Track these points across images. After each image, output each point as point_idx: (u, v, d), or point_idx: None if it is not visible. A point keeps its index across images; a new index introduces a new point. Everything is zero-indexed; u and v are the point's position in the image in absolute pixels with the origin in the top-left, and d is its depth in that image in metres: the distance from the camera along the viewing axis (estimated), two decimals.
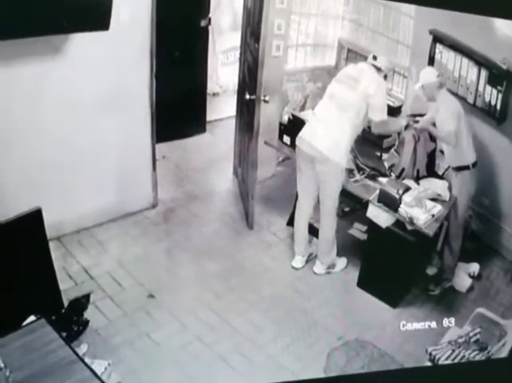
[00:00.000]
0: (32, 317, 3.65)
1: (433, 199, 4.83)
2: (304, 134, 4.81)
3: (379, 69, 4.79)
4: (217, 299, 4.62)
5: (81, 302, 4.24)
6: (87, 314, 4.21)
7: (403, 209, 4.70)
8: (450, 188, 4.96)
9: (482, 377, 4.61)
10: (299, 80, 5.88)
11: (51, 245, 4.12)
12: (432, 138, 5.03)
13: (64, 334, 3.70)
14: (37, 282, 3.93)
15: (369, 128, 4.92)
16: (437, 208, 4.76)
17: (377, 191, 4.81)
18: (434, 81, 4.78)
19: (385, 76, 4.87)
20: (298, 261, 5.05)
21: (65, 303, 4.18)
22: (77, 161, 4.53)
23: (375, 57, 4.85)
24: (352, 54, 5.90)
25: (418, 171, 5.03)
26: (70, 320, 4.11)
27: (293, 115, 5.22)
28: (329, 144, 4.67)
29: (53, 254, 4.12)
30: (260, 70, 4.81)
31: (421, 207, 4.70)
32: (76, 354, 3.37)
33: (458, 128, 4.76)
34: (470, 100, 5.18)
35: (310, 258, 5.09)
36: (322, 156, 4.67)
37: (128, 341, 4.18)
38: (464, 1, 4.46)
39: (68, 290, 4.31)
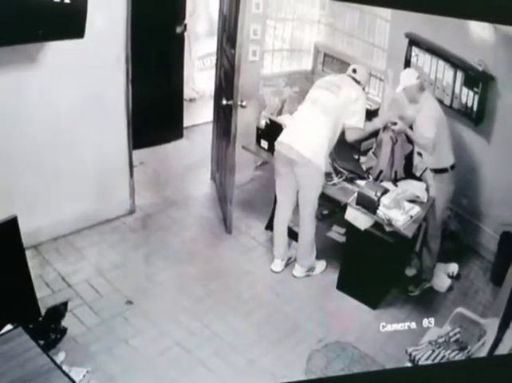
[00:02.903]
0: (9, 326, 3.63)
1: (411, 201, 4.85)
2: (283, 138, 4.82)
3: (358, 82, 4.89)
4: (196, 304, 4.60)
5: (59, 310, 4.21)
6: (65, 322, 4.18)
7: (381, 211, 4.72)
8: (428, 189, 4.99)
9: (463, 376, 4.64)
10: (276, 85, 5.89)
11: (28, 253, 4.08)
12: (410, 140, 5.04)
13: (41, 342, 3.70)
14: (14, 291, 3.88)
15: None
16: (415, 209, 4.79)
17: (355, 194, 4.84)
18: (414, 83, 4.81)
19: (363, 89, 4.97)
20: (277, 264, 5.05)
21: (43, 311, 4.14)
22: (54, 168, 4.50)
23: (354, 70, 4.93)
24: (328, 58, 5.92)
25: (396, 172, 5.04)
26: (48, 328, 4.08)
27: (270, 119, 5.22)
28: (311, 147, 4.71)
29: (30, 263, 4.07)
30: (236, 75, 4.82)
31: (399, 209, 4.72)
32: (54, 362, 3.37)
33: (438, 135, 4.79)
34: (447, 102, 5.22)
35: (289, 262, 5.09)
36: (303, 160, 4.69)
37: (107, 347, 4.16)
38: (439, 5, 4.49)
39: (45, 297, 4.27)
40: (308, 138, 4.73)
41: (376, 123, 5.01)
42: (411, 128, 4.88)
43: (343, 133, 4.93)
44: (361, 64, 5.30)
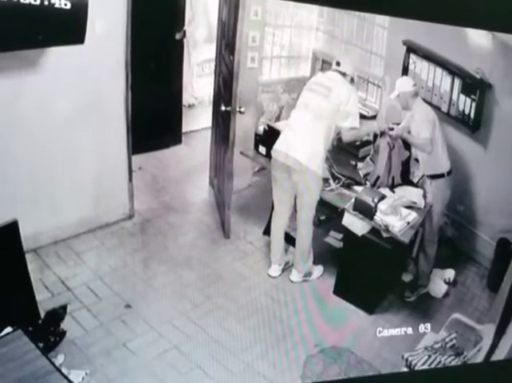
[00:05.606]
0: (8, 329, 3.66)
1: (408, 207, 4.86)
2: (279, 145, 4.82)
3: (344, 74, 4.85)
4: (194, 308, 4.60)
5: (58, 313, 4.22)
6: (64, 325, 4.20)
7: (378, 217, 4.73)
8: (425, 196, 5.00)
9: (459, 382, 4.66)
10: (274, 92, 5.90)
11: (28, 257, 4.11)
12: (407, 146, 5.06)
13: (40, 345, 3.72)
14: (14, 294, 3.91)
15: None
16: (412, 216, 4.80)
17: (353, 200, 4.85)
18: (410, 90, 4.85)
19: (352, 80, 4.90)
20: (275, 269, 5.06)
21: (42, 314, 4.16)
22: (54, 173, 4.51)
23: (338, 63, 4.88)
24: (326, 65, 5.90)
25: (393, 179, 5.06)
26: (47, 331, 4.09)
27: (268, 125, 5.24)
28: (306, 153, 4.71)
29: (30, 266, 4.11)
30: (235, 82, 4.84)
31: (396, 215, 4.74)
32: (53, 364, 3.39)
33: (433, 136, 4.83)
34: (444, 109, 5.23)
35: (286, 267, 5.10)
36: (299, 166, 4.71)
37: (105, 350, 4.17)
38: (437, 12, 4.51)
39: (44, 301, 4.27)
40: (303, 145, 4.74)
41: (374, 125, 5.02)
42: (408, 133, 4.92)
43: (340, 139, 4.97)
44: (360, 70, 5.36)
